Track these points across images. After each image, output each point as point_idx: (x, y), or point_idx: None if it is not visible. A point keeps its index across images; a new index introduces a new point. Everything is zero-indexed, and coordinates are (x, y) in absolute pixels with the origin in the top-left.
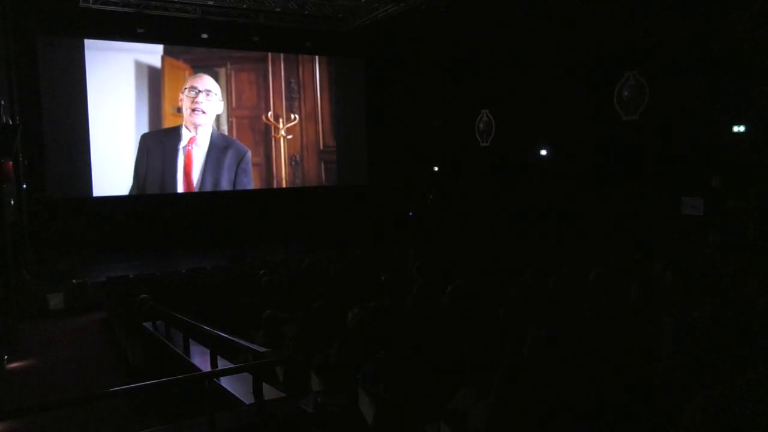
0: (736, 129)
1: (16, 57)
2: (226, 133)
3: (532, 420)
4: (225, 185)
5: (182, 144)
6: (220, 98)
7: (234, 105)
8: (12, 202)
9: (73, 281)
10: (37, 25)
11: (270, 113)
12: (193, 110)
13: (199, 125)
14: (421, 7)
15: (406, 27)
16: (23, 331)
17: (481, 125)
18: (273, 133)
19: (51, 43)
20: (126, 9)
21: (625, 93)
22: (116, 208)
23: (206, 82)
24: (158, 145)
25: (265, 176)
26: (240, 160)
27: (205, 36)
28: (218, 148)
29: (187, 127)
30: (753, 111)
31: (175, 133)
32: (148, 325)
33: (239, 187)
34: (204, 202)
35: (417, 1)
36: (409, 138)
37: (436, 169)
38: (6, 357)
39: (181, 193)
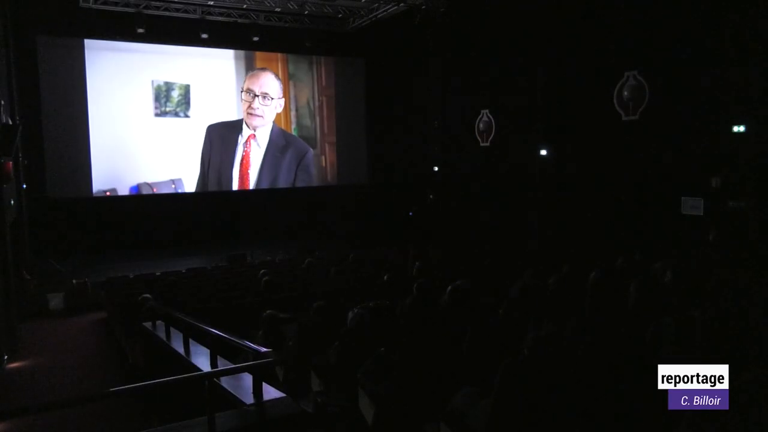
0: (736, 129)
1: (16, 57)
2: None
3: (532, 420)
4: (282, 184)
5: (242, 140)
6: (280, 95)
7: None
8: (12, 202)
9: (73, 281)
10: (37, 25)
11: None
12: (249, 114)
13: (257, 127)
14: (421, 7)
15: (406, 27)
16: (23, 331)
17: (481, 125)
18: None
19: (50, 43)
20: (126, 9)
21: (625, 93)
22: (116, 208)
23: (263, 83)
24: (219, 139)
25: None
26: (301, 159)
27: (205, 36)
28: (277, 146)
29: (246, 124)
30: (753, 111)
31: (236, 127)
32: (148, 325)
33: (299, 186)
34: (205, 202)
35: (417, 1)
36: (409, 138)
37: (436, 169)
38: (6, 357)
39: (181, 193)
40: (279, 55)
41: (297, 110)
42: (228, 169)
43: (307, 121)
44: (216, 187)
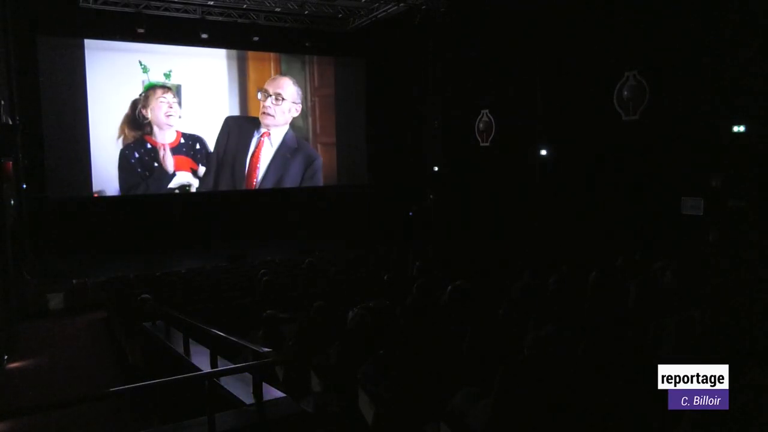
0: (736, 129)
1: (16, 57)
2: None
3: (532, 420)
4: (288, 185)
5: (257, 135)
6: (295, 101)
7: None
8: (12, 202)
9: (73, 281)
10: (37, 25)
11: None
12: (262, 113)
13: (269, 125)
14: (422, 7)
15: (406, 27)
16: (23, 331)
17: (481, 125)
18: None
19: (50, 43)
20: (126, 9)
21: (625, 93)
22: (116, 208)
23: (279, 85)
24: (237, 129)
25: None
26: (309, 164)
27: (205, 36)
28: (289, 148)
29: (262, 123)
30: (753, 111)
31: (254, 123)
32: (148, 325)
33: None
34: (205, 202)
35: (417, 1)
36: (409, 138)
37: (436, 169)
38: (6, 357)
39: (181, 193)
40: (272, 54)
41: None
42: (242, 158)
43: (299, 122)
44: (229, 175)
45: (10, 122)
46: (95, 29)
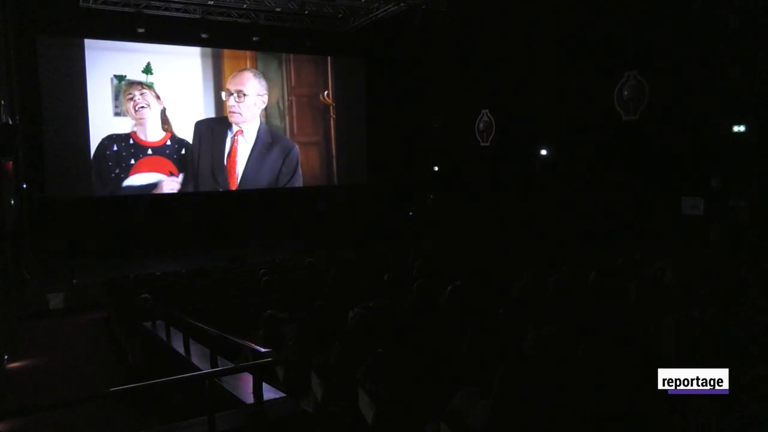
0: (736, 129)
1: (16, 57)
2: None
3: (532, 420)
4: (266, 181)
5: (230, 135)
6: (260, 93)
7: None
8: (12, 202)
9: (73, 281)
10: (37, 25)
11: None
12: (230, 112)
13: (239, 123)
14: (422, 6)
15: (406, 27)
16: (23, 331)
17: (481, 125)
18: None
19: (50, 43)
20: (126, 9)
21: (625, 93)
22: (116, 208)
23: (239, 81)
24: (209, 132)
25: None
26: (286, 155)
27: (205, 36)
28: (264, 143)
29: (232, 122)
30: (753, 111)
31: (225, 123)
32: (148, 325)
33: (282, 184)
34: (205, 202)
35: (417, 1)
36: (409, 138)
37: (436, 169)
38: (6, 357)
39: (181, 193)
40: (248, 53)
41: (266, 110)
42: (219, 161)
43: (276, 121)
44: (209, 179)
45: (10, 122)
46: (95, 29)
